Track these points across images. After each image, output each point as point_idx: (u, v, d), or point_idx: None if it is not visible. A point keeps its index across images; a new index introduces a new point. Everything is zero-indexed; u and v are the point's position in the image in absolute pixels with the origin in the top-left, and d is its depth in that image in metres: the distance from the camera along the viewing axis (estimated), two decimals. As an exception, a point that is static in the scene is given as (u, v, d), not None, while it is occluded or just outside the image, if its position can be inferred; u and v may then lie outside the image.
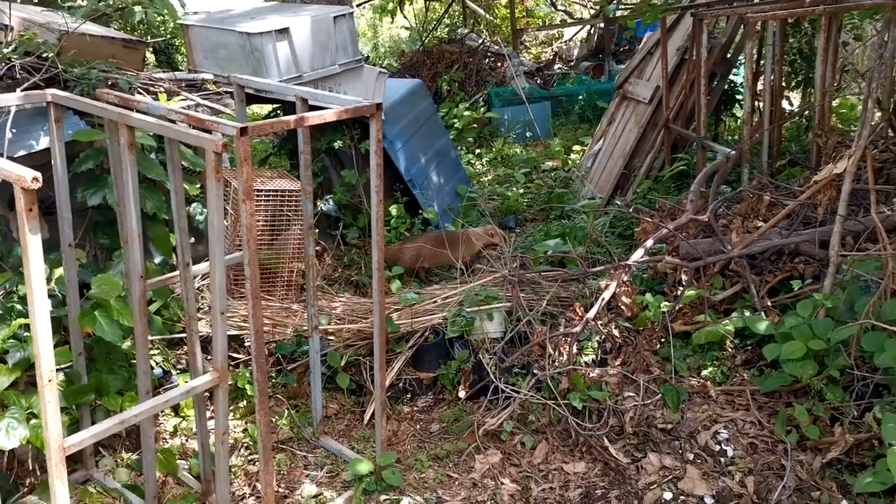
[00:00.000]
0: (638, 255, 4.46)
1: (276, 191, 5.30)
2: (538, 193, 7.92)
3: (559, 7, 14.44)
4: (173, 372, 4.40)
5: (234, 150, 2.85)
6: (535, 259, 5.73)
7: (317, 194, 6.42)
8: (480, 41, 12.07)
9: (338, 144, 6.18)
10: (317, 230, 6.37)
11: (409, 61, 11.54)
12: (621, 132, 7.54)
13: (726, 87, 7.37)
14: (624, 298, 4.60)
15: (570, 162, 8.69)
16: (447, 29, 14.18)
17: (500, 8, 14.35)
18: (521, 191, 8.02)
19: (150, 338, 4.32)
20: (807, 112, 7.52)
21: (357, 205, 6.39)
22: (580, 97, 10.41)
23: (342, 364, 4.46)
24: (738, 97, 7.94)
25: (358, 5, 14.89)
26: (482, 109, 10.19)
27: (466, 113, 9.83)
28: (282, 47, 5.51)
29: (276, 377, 4.50)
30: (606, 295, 4.35)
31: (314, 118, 3.08)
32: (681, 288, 4.66)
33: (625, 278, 4.52)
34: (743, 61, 7.17)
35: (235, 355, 4.67)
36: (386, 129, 6.46)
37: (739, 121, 8.65)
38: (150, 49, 11.28)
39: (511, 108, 10.16)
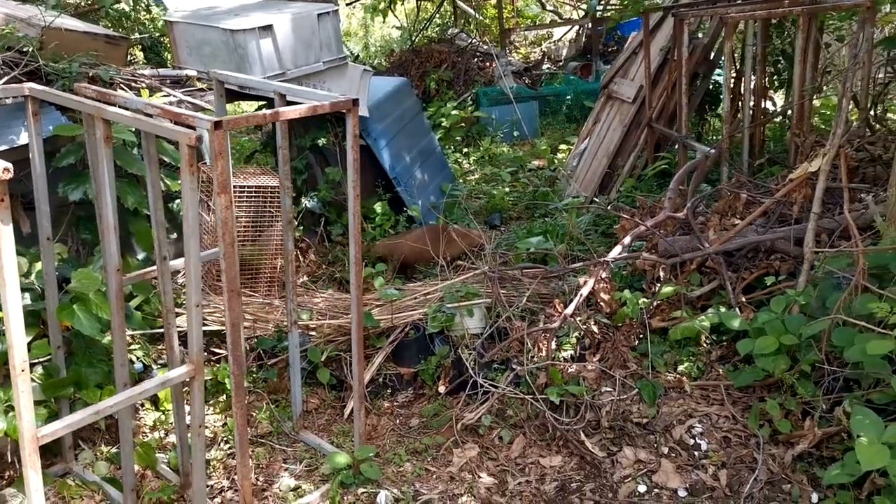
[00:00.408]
0: (616, 251, 4.51)
1: (260, 187, 5.32)
2: (523, 192, 7.96)
3: (548, 7, 14.50)
4: (154, 367, 4.42)
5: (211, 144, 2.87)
6: (516, 256, 5.77)
7: (301, 191, 6.44)
8: (469, 41, 12.11)
9: (322, 141, 6.21)
10: (301, 227, 6.40)
11: (398, 60, 11.57)
12: (606, 131, 7.59)
13: (710, 86, 7.43)
14: (603, 295, 4.64)
15: (556, 161, 8.74)
16: (437, 28, 14.22)
17: (490, 8, 14.40)
18: (507, 189, 8.05)
19: (130, 332, 4.34)
20: (789, 112, 7.59)
21: (341, 202, 6.42)
22: (568, 97, 10.46)
23: (323, 359, 4.49)
24: (722, 97, 8.01)
25: (348, 4, 14.92)
26: (470, 109, 10.23)
27: (454, 112, 9.86)
28: (265, 44, 5.53)
29: (256, 372, 4.52)
30: (585, 291, 4.39)
31: (290, 112, 3.11)
32: (658, 285, 4.71)
33: (603, 275, 4.56)
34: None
35: (218, 350, 4.69)
36: (370, 127, 6.49)
37: (721, 123, 8.75)
38: (139, 46, 11.28)
39: (499, 107, 10.21)
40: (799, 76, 5.26)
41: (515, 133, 10.05)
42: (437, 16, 15.19)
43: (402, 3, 16.05)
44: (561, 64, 11.94)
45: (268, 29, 5.53)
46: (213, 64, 5.74)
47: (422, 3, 15.30)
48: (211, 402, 4.34)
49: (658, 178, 6.54)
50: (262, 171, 5.63)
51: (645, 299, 4.60)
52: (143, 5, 10.13)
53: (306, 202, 6.28)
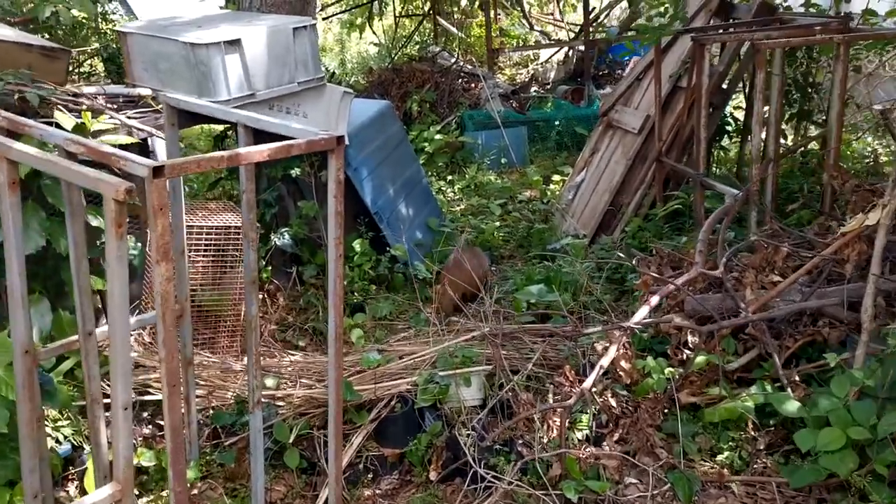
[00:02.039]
0: (641, 314, 3.84)
1: (221, 228, 4.58)
2: (515, 227, 7.30)
3: (535, 28, 13.95)
4: (85, 447, 3.64)
5: (148, 196, 2.15)
6: (516, 305, 5.09)
7: (270, 227, 5.71)
8: (453, 60, 11.48)
9: (295, 172, 5.49)
10: (269, 267, 5.66)
11: (378, 79, 10.90)
12: (606, 164, 6.96)
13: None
14: (622, 363, 3.97)
15: (548, 193, 8.09)
16: (417, 46, 13.58)
17: (474, 27, 13.81)
18: (497, 223, 7.38)
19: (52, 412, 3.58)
20: (803, 148, 7.03)
21: (316, 239, 5.69)
22: (557, 122, 9.85)
23: (292, 438, 3.74)
24: (728, 128, 7.44)
25: (324, 19, 14.25)
26: (455, 133, 9.57)
27: (438, 136, 9.19)
28: (232, 61, 4.81)
29: (210, 454, 3.76)
30: (605, 362, 3.71)
31: (254, 154, 2.41)
32: (687, 351, 4.06)
33: (624, 340, 3.89)
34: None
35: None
36: (351, 156, 5.79)
37: (730, 153, 8.17)
38: (101, 57, 10.48)
39: (485, 132, 9.56)
40: (837, 111, 4.68)
41: (503, 160, 9.41)
42: (417, 33, 14.58)
43: (381, 19, 15.43)
44: (549, 87, 11.35)
45: (235, 44, 4.82)
46: (171, 82, 5.01)
47: (401, 19, 14.69)
48: (153, 497, 3.56)
49: (667, 219, 5.91)
50: (224, 207, 4.89)
51: (671, 368, 3.94)
52: (99, 13, 9.35)
53: (276, 240, 5.55)
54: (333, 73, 13.73)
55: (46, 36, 6.32)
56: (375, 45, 15.30)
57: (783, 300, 4.00)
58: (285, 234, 5.58)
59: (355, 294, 5.57)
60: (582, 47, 10.82)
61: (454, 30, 13.90)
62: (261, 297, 5.63)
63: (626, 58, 11.71)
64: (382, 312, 5.51)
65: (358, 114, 6.01)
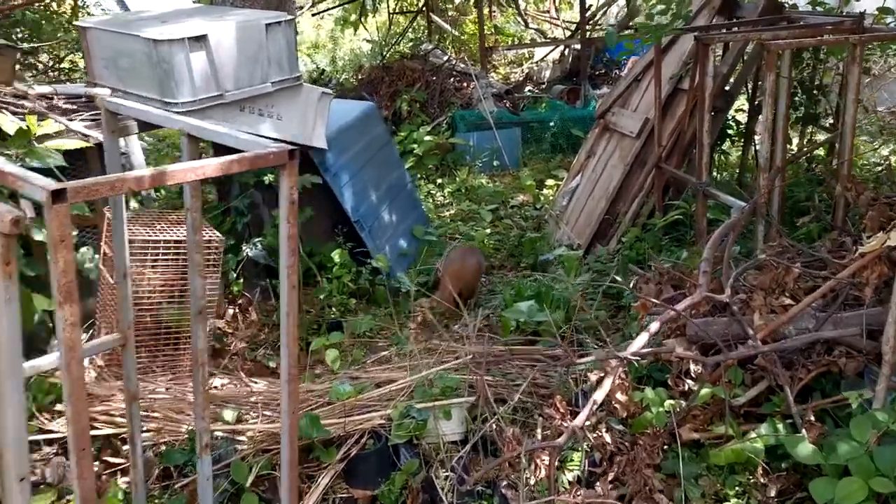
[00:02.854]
0: (639, 343, 3.47)
1: (180, 243, 4.20)
2: (506, 235, 6.94)
3: (531, 25, 13.57)
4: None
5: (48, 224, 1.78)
6: (504, 325, 4.73)
7: (242, 237, 5.34)
8: (445, 58, 11.10)
9: (269, 179, 5.12)
10: (241, 280, 5.30)
11: (367, 78, 10.52)
12: (602, 169, 6.60)
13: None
14: (618, 395, 3.61)
15: (542, 198, 7.73)
16: (410, 44, 13.20)
17: (468, 24, 13.43)
18: (488, 231, 7.02)
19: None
20: (809, 154, 6.69)
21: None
22: (552, 123, 9.49)
23: (250, 479, 3.37)
24: (730, 132, 7.08)
25: (314, 15, 13.87)
26: (445, 134, 9.20)
27: (428, 138, 8.82)
28: (197, 59, 4.44)
29: (160, 497, 3.39)
30: (599, 397, 3.35)
31: (180, 174, 2.04)
32: (689, 381, 3.70)
33: (621, 371, 3.53)
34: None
35: (112, 460, 3.56)
36: (330, 161, 5.42)
37: (731, 157, 7.81)
38: (81, 55, 10.09)
39: (477, 133, 9.19)
40: (851, 117, 4.32)
41: (495, 162, 9.04)
42: (411, 30, 14.19)
43: (374, 16, 15.03)
44: (544, 86, 10.98)
45: (201, 40, 4.45)
46: (132, 81, 4.64)
47: (395, 16, 14.30)
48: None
49: (667, 229, 5.55)
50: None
51: (672, 400, 3.58)
52: (81, 6, 8.98)
53: (248, 250, 5.18)
54: (323, 70, 13.39)
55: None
56: (368, 41, 14.93)
57: (795, 326, 3.65)
58: (258, 244, 5.22)
59: (333, 309, 5.21)
60: (578, 46, 10.45)
61: (448, 27, 13.52)
62: (231, 311, 5.26)
63: (625, 58, 11.34)
64: (362, 329, 5.14)
65: (339, 116, 5.64)
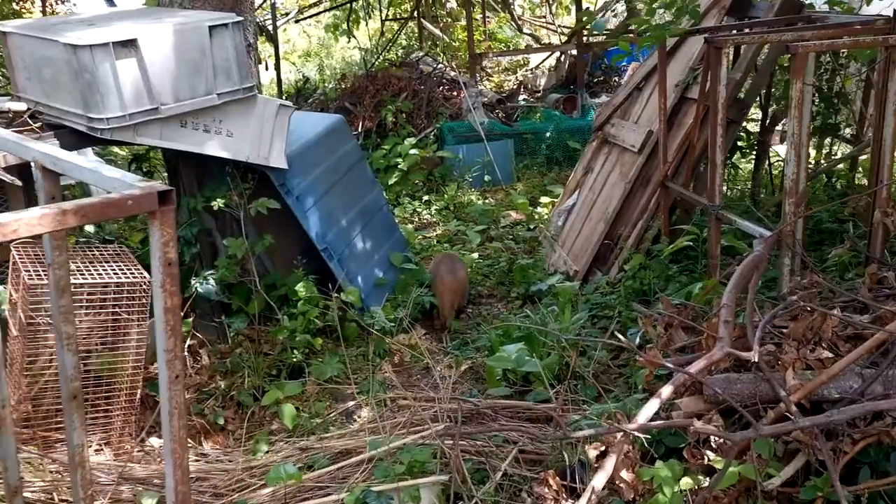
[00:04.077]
0: (648, 412, 2.82)
1: (106, 285, 3.55)
2: (497, 260, 6.29)
3: (525, 31, 12.94)
4: None
5: None
6: (489, 373, 4.08)
7: (191, 269, 4.70)
8: (435, 66, 10.47)
9: (218, 204, 4.47)
10: (192, 316, 4.66)
11: (351, 87, 9.88)
12: (601, 187, 5.96)
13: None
14: (623, 472, 2.96)
15: (536, 216, 7.08)
16: (401, 51, 12.59)
17: (458, 29, 12.82)
18: (476, 255, 6.37)
19: None
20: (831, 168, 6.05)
21: (248, 284, 4.68)
22: (547, 134, 8.84)
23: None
24: (740, 143, 6.42)
25: (297, 21, 13.27)
26: (433, 147, 8.56)
27: (413, 151, 8.17)
28: (126, 68, 3.81)
29: None
30: (599, 483, 2.70)
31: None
32: (709, 452, 3.05)
33: (627, 447, 2.88)
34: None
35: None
36: (291, 182, 4.78)
37: (742, 172, 7.17)
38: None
39: (467, 145, 8.55)
40: (893, 130, 3.68)
41: (486, 177, 8.40)
42: (403, 37, 13.56)
43: (367, 23, 14.42)
44: (539, 95, 10.34)
45: (130, 45, 3.81)
46: (55, 93, 4.01)
47: (387, 23, 13.68)
48: None
49: (676, 255, 4.89)
50: (118, 253, 3.86)
51: (689, 479, 2.93)
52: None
53: (198, 285, 4.53)
54: (307, 79, 12.77)
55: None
56: (360, 49, 14.32)
57: (836, 386, 3.00)
58: (210, 278, 4.57)
59: (295, 352, 4.55)
60: (575, 52, 9.82)
61: (438, 33, 12.91)
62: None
63: (623, 61, 10.72)
64: (327, 374, 4.49)
65: (302, 131, 5.00)
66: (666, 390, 2.85)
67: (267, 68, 12.27)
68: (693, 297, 4.10)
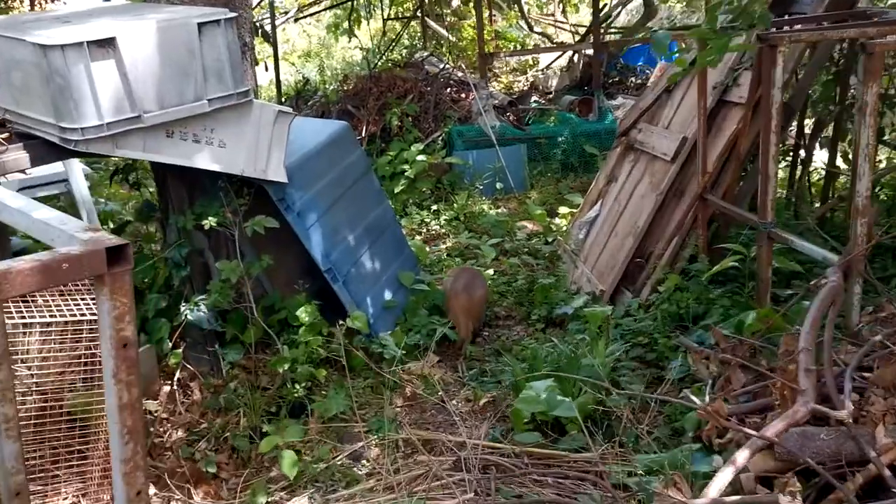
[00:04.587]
0: (721, 483, 2.35)
1: (77, 323, 3.08)
2: (514, 277, 5.82)
3: (535, 30, 12.46)
4: None
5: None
6: (516, 418, 3.60)
7: (181, 294, 4.23)
8: (442, 66, 10.00)
9: (210, 223, 4.00)
10: (182, 346, 4.20)
11: (354, 89, 9.41)
12: (628, 198, 5.49)
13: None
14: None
15: (553, 228, 6.61)
16: (404, 50, 12.11)
17: (466, 28, 12.34)
18: (492, 271, 5.90)
19: None
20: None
21: (243, 311, 4.21)
22: (561, 139, 8.36)
23: None
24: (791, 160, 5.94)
25: (297, 20, 12.81)
26: (441, 153, 8.09)
27: (420, 157, 7.71)
28: (103, 71, 3.34)
29: None
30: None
31: None
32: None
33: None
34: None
35: None
36: (292, 197, 4.31)
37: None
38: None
39: (477, 151, 8.09)
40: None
41: (499, 185, 7.93)
42: (406, 37, 13.09)
43: (368, 22, 13.95)
44: (552, 97, 9.88)
45: (107, 45, 3.34)
46: (25, 100, 3.54)
47: (390, 22, 13.20)
48: None
49: (716, 275, 4.42)
50: (89, 285, 3.39)
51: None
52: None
53: (188, 312, 4.07)
54: (308, 80, 12.29)
55: None
56: (362, 49, 13.85)
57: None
58: (201, 304, 4.10)
59: (297, 386, 4.08)
60: (590, 51, 9.35)
61: (444, 32, 12.44)
62: (167, 388, 4.15)
63: (639, 60, 10.26)
64: (332, 411, 4.02)
65: (304, 139, 4.53)
66: (741, 456, 2.38)
67: (266, 69, 11.81)
68: (746, 327, 3.63)
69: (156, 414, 4.00)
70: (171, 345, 4.09)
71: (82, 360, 3.31)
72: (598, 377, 3.67)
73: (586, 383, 3.72)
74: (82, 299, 3.25)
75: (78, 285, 3.35)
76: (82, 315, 3.07)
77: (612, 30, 10.15)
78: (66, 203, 6.89)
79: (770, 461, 2.67)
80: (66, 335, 3.22)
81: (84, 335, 3.19)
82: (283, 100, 11.18)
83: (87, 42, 3.28)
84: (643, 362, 4.26)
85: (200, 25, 3.62)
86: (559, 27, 12.48)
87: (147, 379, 4.09)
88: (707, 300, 4.37)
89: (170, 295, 4.24)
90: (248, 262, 4.29)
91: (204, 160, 3.81)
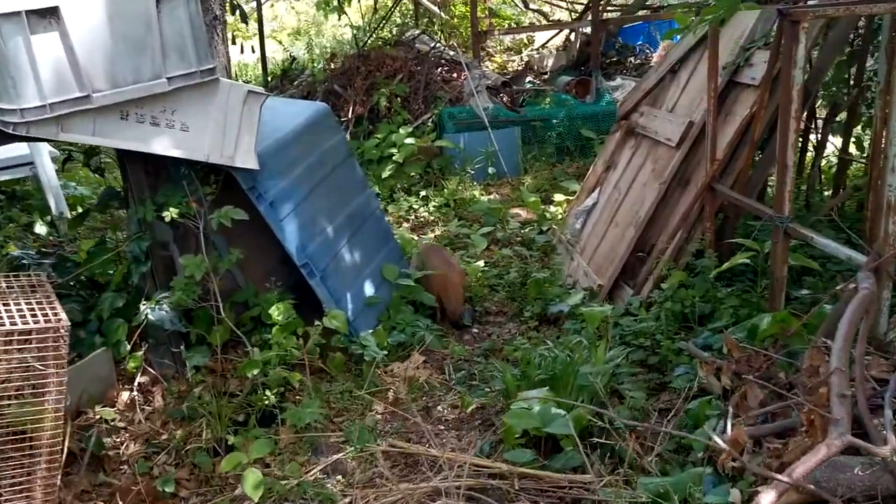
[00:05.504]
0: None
1: (9, 333, 2.73)
2: (506, 269, 5.48)
3: (531, 6, 12.03)
4: None
5: None
6: (507, 432, 3.27)
7: (142, 292, 3.87)
8: (433, 45, 9.58)
9: (171, 214, 3.63)
10: (142, 346, 3.85)
11: (342, 68, 8.99)
12: (628, 186, 5.15)
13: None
14: None
15: (548, 216, 6.26)
16: (394, 28, 11.66)
17: (458, 5, 11.91)
18: (482, 263, 5.56)
19: None
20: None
21: (209, 310, 3.86)
22: (557, 122, 7.98)
23: None
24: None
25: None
26: (431, 135, 7.71)
27: (409, 140, 7.33)
28: (45, 44, 2.97)
29: None
30: None
31: None
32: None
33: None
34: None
35: None
36: (264, 185, 3.95)
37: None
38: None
39: (468, 133, 7.71)
40: None
41: (491, 169, 7.57)
42: (398, 14, 12.62)
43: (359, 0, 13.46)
44: (547, 77, 9.48)
45: (50, 15, 2.96)
46: (-42, 77, 3.15)
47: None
48: None
49: (724, 271, 4.08)
50: (34, 286, 3.03)
51: None
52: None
53: (149, 311, 3.71)
54: (294, 59, 11.86)
55: None
56: (352, 27, 13.39)
57: None
58: (163, 303, 3.75)
59: (268, 393, 3.73)
60: (588, 29, 8.95)
61: (435, 9, 11.99)
62: (127, 397, 3.81)
63: (639, 39, 9.86)
64: (306, 420, 3.68)
65: (279, 122, 4.17)
66: (766, 499, 2.04)
67: (253, 50, 11.37)
68: (760, 333, 3.30)
69: (112, 423, 3.66)
70: (129, 347, 3.74)
71: (20, 371, 2.97)
72: (596, 386, 3.36)
73: (583, 393, 3.39)
74: (13, 309, 2.90)
75: (16, 289, 3.00)
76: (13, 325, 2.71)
77: (611, 7, 9.73)
78: (32, 187, 6.51)
79: (793, 494, 2.36)
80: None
81: (15, 344, 2.84)
82: (269, 79, 10.77)
83: (26, 11, 2.90)
84: (645, 366, 3.94)
85: (158, -5, 3.24)
86: (555, 5, 12.05)
87: (103, 385, 3.75)
88: (714, 299, 4.04)
89: (129, 292, 3.88)
90: (215, 255, 3.93)
91: (163, 145, 3.44)
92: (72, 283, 4.09)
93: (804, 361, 2.65)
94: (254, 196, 3.92)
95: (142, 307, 3.73)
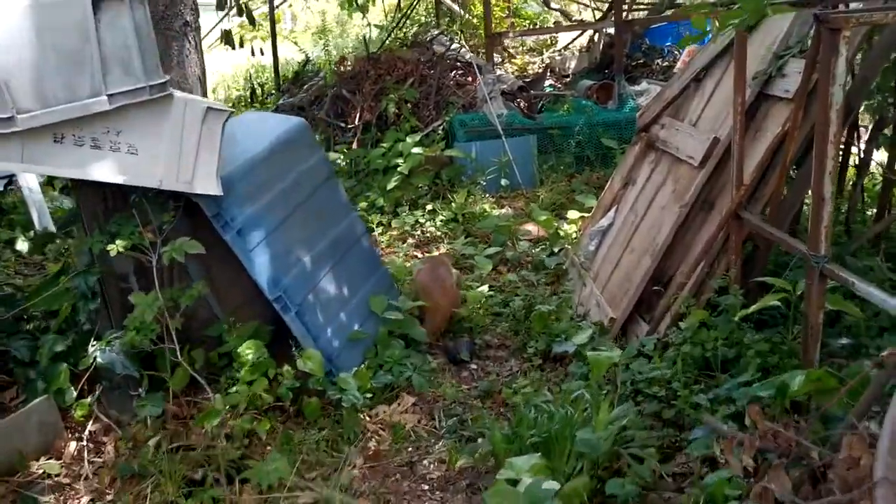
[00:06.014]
0: None
1: None
2: (511, 295, 5.02)
3: (553, 6, 11.51)
4: None
5: None
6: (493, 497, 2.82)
7: (91, 332, 3.49)
8: (450, 46, 9.13)
9: (116, 248, 3.23)
10: (96, 392, 3.47)
11: (351, 72, 8.59)
12: (646, 207, 4.65)
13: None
14: None
15: (561, 235, 5.77)
16: (414, 28, 11.23)
17: (479, 5, 11.44)
18: (486, 288, 5.10)
19: None
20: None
21: (168, 353, 3.45)
22: (577, 129, 7.48)
23: None
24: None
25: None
26: (440, 144, 7.27)
27: (416, 150, 6.89)
28: (-47, 60, 2.57)
29: None
30: None
31: None
32: None
33: None
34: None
35: None
36: (232, 212, 3.54)
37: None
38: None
39: (481, 142, 7.25)
40: None
41: (504, 181, 7.10)
42: (422, 13, 12.17)
43: (384, -1, 13.05)
44: (569, 80, 8.97)
45: (-39, 27, 2.57)
46: None
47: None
48: None
49: (755, 314, 3.56)
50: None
51: None
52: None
53: (98, 353, 3.32)
54: (308, 60, 11.47)
55: None
56: (377, 27, 12.96)
57: None
58: (115, 343, 3.36)
59: (231, 443, 3.32)
60: (611, 30, 8.42)
61: (457, 8, 11.55)
62: (75, 447, 3.42)
63: (667, 41, 9.31)
64: (271, 479, 3.26)
65: (250, 141, 3.75)
66: None
67: (262, 53, 11.02)
68: (790, 392, 2.81)
69: (56, 478, 3.28)
70: (75, 394, 3.36)
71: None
72: (598, 451, 2.89)
73: (583, 461, 2.93)
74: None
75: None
76: None
77: (637, 6, 9.18)
78: (16, 199, 6.21)
79: None
80: None
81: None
82: (280, 83, 10.41)
83: (-70, 22, 2.52)
84: (658, 418, 3.46)
85: (96, 1, 2.84)
86: (581, 3, 11.52)
87: (49, 434, 3.38)
88: (739, 343, 3.53)
89: (77, 332, 3.49)
90: (178, 289, 3.53)
91: (105, 171, 3.04)
92: (24, 317, 3.72)
93: (842, 448, 2.16)
94: (219, 224, 3.51)
95: (90, 349, 3.35)
